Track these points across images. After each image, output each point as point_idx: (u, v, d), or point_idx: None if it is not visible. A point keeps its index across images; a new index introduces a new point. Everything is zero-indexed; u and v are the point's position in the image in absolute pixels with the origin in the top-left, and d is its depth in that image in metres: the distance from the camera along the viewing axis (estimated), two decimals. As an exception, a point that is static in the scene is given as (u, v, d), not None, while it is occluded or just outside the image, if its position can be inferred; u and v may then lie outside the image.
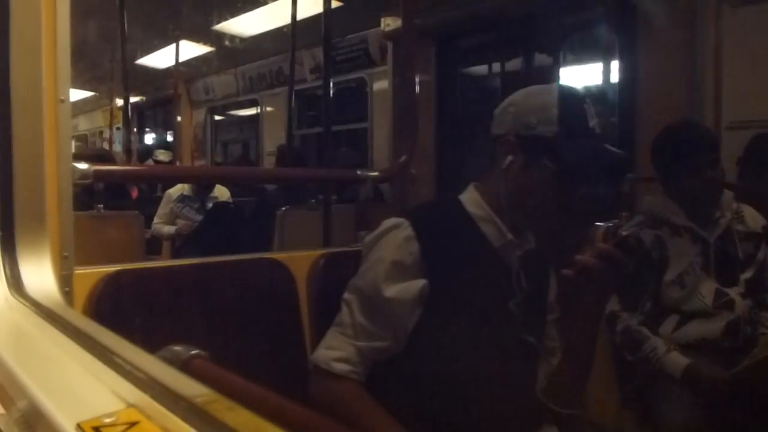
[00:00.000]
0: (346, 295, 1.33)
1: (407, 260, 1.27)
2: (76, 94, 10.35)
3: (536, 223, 1.38)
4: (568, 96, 1.33)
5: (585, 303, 1.27)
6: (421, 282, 1.26)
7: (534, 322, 1.38)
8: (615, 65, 3.96)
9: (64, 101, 1.19)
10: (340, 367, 1.26)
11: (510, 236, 1.34)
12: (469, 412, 1.28)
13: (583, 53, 4.62)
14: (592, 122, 1.30)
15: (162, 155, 7.19)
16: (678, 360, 1.94)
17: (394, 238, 1.30)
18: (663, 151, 2.17)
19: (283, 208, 3.69)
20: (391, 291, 1.26)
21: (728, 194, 2.16)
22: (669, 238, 2.09)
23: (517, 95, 1.37)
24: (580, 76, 4.84)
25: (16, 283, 1.09)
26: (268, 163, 7.97)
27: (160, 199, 4.99)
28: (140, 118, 11.43)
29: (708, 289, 2.05)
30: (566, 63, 4.75)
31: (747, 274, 2.11)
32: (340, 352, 1.27)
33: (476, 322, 1.27)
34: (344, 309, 1.31)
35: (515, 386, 1.33)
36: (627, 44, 3.78)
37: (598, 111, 1.32)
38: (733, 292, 2.05)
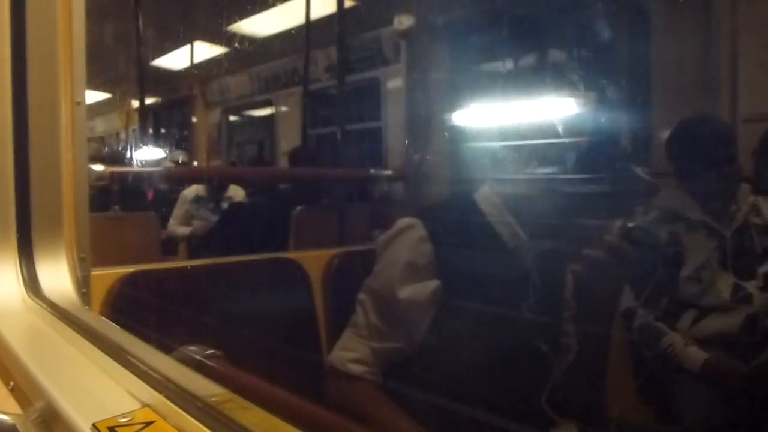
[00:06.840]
0: (361, 296, 1.32)
1: (420, 261, 1.26)
2: (93, 96, 10.40)
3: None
4: None
5: (597, 297, 1.26)
6: (434, 283, 1.25)
7: (549, 321, 1.37)
8: (627, 59, 3.93)
9: (80, 103, 1.20)
10: (356, 368, 1.26)
11: (524, 236, 1.33)
12: (481, 412, 1.28)
13: (595, 48, 4.59)
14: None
15: (181, 156, 7.24)
16: (696, 354, 1.93)
17: (407, 239, 1.29)
18: (678, 145, 2.15)
19: (298, 208, 3.69)
20: (405, 292, 1.25)
21: (745, 187, 2.13)
22: (685, 233, 2.07)
23: None
24: (592, 70, 4.81)
25: (33, 284, 1.10)
26: (283, 163, 7.97)
27: (175, 200, 5.01)
28: (156, 119, 11.47)
29: (725, 283, 2.03)
30: (579, 58, 4.72)
31: (765, 268, 2.08)
32: (355, 354, 1.27)
33: (490, 324, 1.26)
34: (359, 310, 1.31)
35: (528, 387, 1.33)
36: (640, 36, 3.75)
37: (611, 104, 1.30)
38: (751, 286, 2.03)
